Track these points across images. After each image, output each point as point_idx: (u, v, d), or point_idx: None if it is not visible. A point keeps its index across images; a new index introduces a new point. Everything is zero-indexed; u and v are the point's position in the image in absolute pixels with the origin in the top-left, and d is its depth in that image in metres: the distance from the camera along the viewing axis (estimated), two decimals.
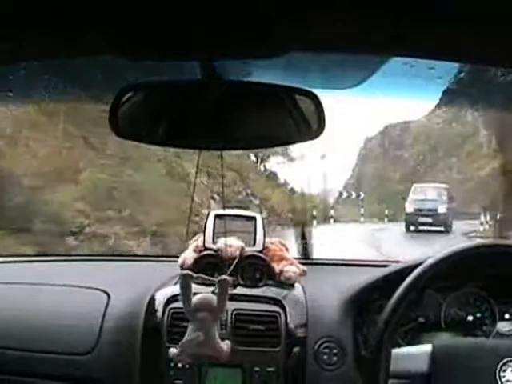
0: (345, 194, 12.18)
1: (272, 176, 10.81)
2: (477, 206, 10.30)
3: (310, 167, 11.31)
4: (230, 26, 0.63)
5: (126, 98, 0.79)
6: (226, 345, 1.13)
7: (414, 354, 1.15)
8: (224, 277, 1.13)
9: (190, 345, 1.10)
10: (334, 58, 0.80)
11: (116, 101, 0.79)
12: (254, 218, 1.57)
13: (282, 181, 10.88)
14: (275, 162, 11.28)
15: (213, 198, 5.94)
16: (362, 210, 11.88)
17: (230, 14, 0.60)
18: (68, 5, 0.59)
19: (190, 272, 1.11)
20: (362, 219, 11.67)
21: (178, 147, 0.83)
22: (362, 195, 11.18)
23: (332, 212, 10.99)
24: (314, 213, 9.20)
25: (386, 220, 12.31)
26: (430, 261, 1.08)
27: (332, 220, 10.90)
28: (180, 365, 1.33)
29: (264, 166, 10.68)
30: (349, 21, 0.62)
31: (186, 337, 1.12)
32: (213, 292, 1.13)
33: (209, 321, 1.11)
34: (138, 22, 0.63)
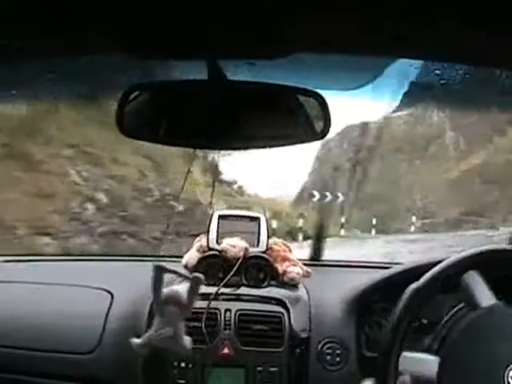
0: (317, 196, 8.62)
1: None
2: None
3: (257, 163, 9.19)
4: (235, 25, 0.64)
5: (132, 97, 0.80)
6: (188, 341, 1.13)
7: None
8: (197, 274, 1.13)
9: (156, 338, 1.11)
10: (340, 59, 0.81)
11: (122, 100, 0.79)
12: (257, 219, 1.57)
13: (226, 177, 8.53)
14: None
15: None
16: (343, 219, 8.79)
17: (236, 14, 0.61)
18: (73, 4, 0.59)
19: (162, 264, 1.11)
20: (343, 232, 8.65)
21: (183, 146, 0.84)
22: (341, 197, 7.98)
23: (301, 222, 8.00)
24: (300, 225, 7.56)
25: (373, 232, 9.73)
26: (447, 262, 1.07)
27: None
28: (183, 364, 1.33)
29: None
30: (354, 21, 0.62)
31: (153, 329, 1.11)
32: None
33: (177, 315, 1.11)
34: (145, 22, 0.63)
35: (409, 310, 0.98)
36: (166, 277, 1.43)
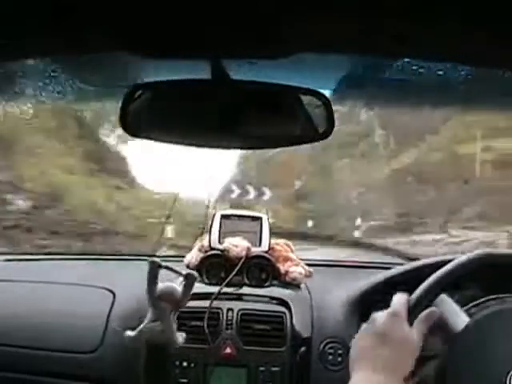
0: (236, 191, 7.08)
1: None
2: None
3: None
4: (238, 25, 0.64)
5: (135, 96, 0.80)
6: (181, 336, 1.15)
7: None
8: (191, 271, 1.15)
9: (147, 331, 1.12)
10: (343, 59, 0.81)
11: (126, 99, 0.79)
12: (259, 219, 1.57)
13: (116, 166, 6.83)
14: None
15: None
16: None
17: (239, 13, 0.61)
18: (74, 2, 0.59)
19: (157, 260, 1.12)
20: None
21: (186, 145, 0.84)
22: (268, 193, 6.63)
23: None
24: None
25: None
26: (454, 263, 1.06)
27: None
28: (185, 364, 1.33)
29: None
30: (354, 21, 0.62)
31: (145, 323, 1.13)
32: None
33: (169, 311, 1.12)
34: (147, 21, 0.63)
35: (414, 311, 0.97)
36: (166, 273, 1.44)
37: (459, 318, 0.98)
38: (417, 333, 0.92)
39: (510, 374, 0.90)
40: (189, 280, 1.13)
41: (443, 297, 1.00)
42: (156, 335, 1.12)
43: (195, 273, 1.16)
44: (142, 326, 1.12)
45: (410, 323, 0.93)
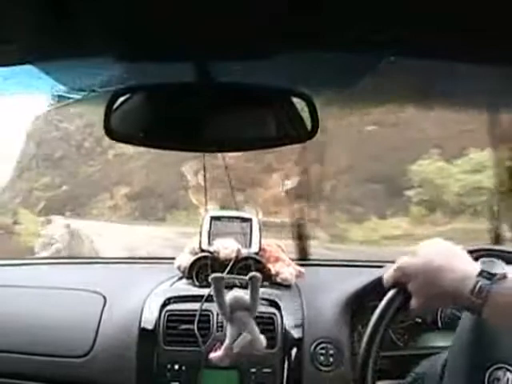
0: None
1: None
2: None
3: None
4: (222, 27, 0.63)
5: (119, 101, 0.79)
6: (263, 340, 1.15)
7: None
8: (254, 273, 1.14)
9: (237, 347, 1.11)
10: (327, 58, 0.80)
11: (109, 103, 0.79)
12: (249, 220, 1.57)
13: None
14: None
15: None
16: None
17: (223, 15, 0.60)
18: (63, 6, 0.58)
19: (220, 274, 1.11)
20: None
21: (171, 150, 0.83)
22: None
23: None
24: None
25: None
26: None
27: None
28: (176, 367, 1.33)
29: None
30: (343, 20, 0.62)
31: (229, 340, 1.11)
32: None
33: (247, 319, 1.11)
34: (131, 24, 0.63)
35: (386, 312, 0.96)
36: (158, 280, 1.44)
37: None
38: None
39: (489, 371, 0.91)
40: (253, 282, 1.12)
41: None
42: (247, 347, 1.11)
43: (258, 274, 1.15)
44: (226, 343, 1.11)
45: None
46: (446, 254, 0.89)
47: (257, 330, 1.11)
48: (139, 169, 10.91)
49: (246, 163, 9.04)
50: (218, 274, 1.10)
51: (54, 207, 10.69)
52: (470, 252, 0.93)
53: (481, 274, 0.83)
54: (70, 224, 9.13)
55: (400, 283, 0.93)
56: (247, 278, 1.12)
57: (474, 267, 0.85)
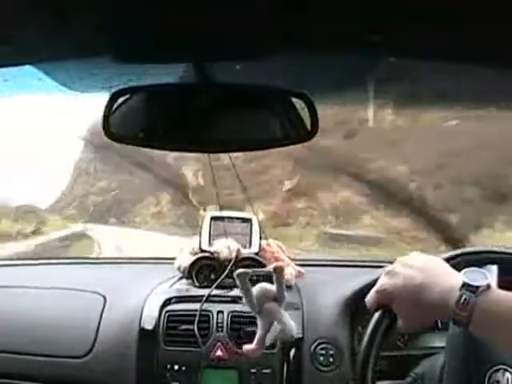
0: None
1: None
2: None
3: None
4: (221, 28, 0.64)
5: (118, 101, 0.79)
6: (295, 327, 1.12)
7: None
8: (278, 264, 1.12)
9: (270, 338, 1.11)
10: (325, 60, 0.80)
11: (108, 104, 0.79)
12: (249, 220, 1.56)
13: None
14: None
15: None
16: None
17: (223, 15, 0.61)
18: (63, 7, 0.58)
19: (243, 270, 1.10)
20: None
21: (171, 150, 0.83)
22: None
23: None
24: None
25: None
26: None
27: None
28: (176, 367, 1.33)
29: None
30: (350, 22, 0.62)
31: (261, 333, 1.11)
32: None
33: (276, 308, 1.11)
34: (131, 25, 0.63)
35: (374, 338, 0.96)
36: (158, 280, 1.43)
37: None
38: None
39: (488, 373, 0.91)
40: (277, 273, 1.10)
41: None
42: (280, 336, 1.10)
43: (280, 263, 1.14)
44: (259, 335, 1.10)
45: None
46: (427, 269, 0.87)
47: (288, 317, 1.11)
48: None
49: (245, 164, 8.95)
50: (242, 270, 1.09)
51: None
52: (450, 259, 0.93)
53: (463, 286, 0.81)
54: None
55: (383, 305, 0.91)
56: (271, 269, 1.11)
57: (457, 279, 0.83)
